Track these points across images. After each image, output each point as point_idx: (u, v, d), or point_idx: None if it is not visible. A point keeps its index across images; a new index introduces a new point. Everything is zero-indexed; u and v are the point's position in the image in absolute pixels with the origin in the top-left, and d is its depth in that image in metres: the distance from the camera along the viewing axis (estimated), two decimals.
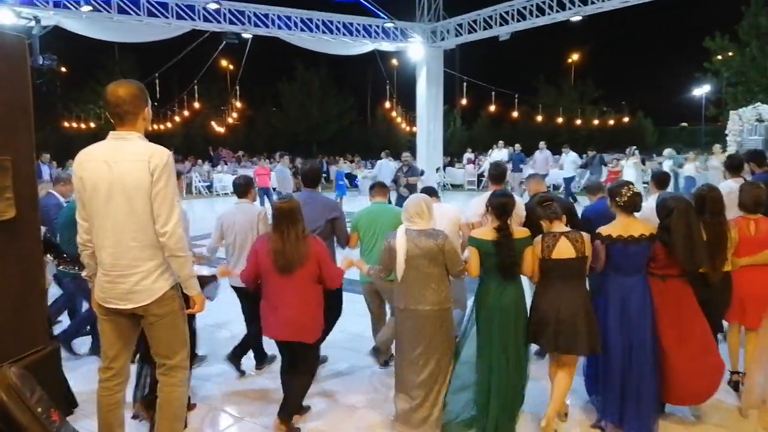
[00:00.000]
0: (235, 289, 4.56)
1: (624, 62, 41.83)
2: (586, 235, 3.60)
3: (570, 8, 13.06)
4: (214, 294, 4.16)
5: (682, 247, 3.62)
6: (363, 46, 16.21)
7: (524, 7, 14.04)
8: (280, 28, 14.55)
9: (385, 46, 16.69)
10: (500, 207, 3.58)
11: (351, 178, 22.11)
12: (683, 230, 3.63)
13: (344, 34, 15.45)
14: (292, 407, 3.74)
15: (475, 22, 15.47)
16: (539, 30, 14.96)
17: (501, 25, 14.78)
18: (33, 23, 11.45)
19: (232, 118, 25.95)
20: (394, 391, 3.87)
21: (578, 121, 32.02)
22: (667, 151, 15.92)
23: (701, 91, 31.41)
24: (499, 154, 18.52)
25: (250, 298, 4.46)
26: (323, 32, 15.11)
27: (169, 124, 25.29)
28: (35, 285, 2.79)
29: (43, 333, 2.87)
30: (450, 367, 3.74)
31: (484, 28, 15.27)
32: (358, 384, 4.54)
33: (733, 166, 5.65)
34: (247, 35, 14.76)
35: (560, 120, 30.35)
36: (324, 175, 23.72)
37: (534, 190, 5.13)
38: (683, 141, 32.80)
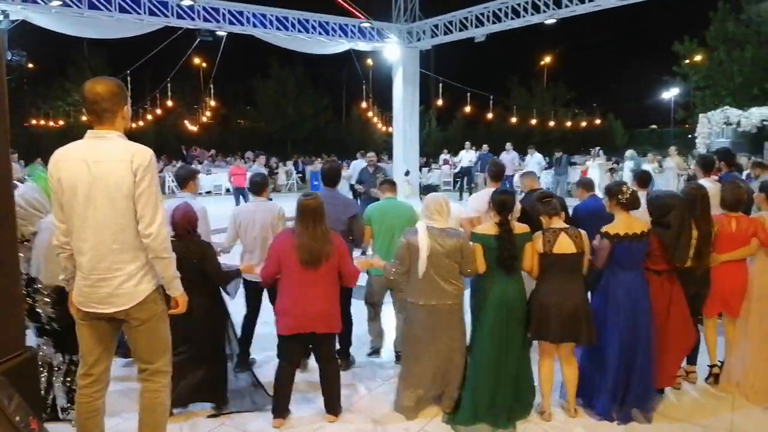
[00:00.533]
0: (247, 284, 4.52)
1: (595, 65, 42.47)
2: (583, 232, 3.79)
3: (544, 11, 13.21)
4: (236, 291, 4.16)
5: (677, 242, 3.85)
6: (339, 45, 16.15)
7: (499, 9, 14.16)
8: (255, 26, 14.39)
9: (361, 45, 16.66)
10: (501, 203, 3.75)
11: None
12: (678, 227, 3.86)
13: (320, 33, 15.36)
14: (337, 398, 3.87)
15: (450, 23, 15.55)
16: (513, 32, 15.10)
17: (476, 26, 14.88)
18: (1, 17, 11.12)
19: (205, 116, 25.65)
20: (398, 385, 3.94)
21: (551, 123, 32.47)
22: (629, 153, 16.32)
23: (670, 94, 32.16)
24: (467, 155, 18.71)
25: (258, 294, 4.63)
26: (299, 31, 15.00)
27: (141, 123, 24.89)
28: (11, 289, 2.70)
29: (20, 339, 2.78)
30: (464, 361, 3.86)
31: (460, 29, 15.35)
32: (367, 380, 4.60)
33: (706, 166, 5.83)
34: (221, 33, 14.57)
35: (533, 121, 30.71)
36: (299, 175, 23.64)
37: (528, 186, 5.23)
38: (652, 143, 33.53)
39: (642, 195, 4.19)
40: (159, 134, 32.97)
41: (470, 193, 18.30)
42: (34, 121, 29.52)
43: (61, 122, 29.92)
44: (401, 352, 4.73)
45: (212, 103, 24.40)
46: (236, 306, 4.59)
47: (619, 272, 3.85)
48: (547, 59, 37.14)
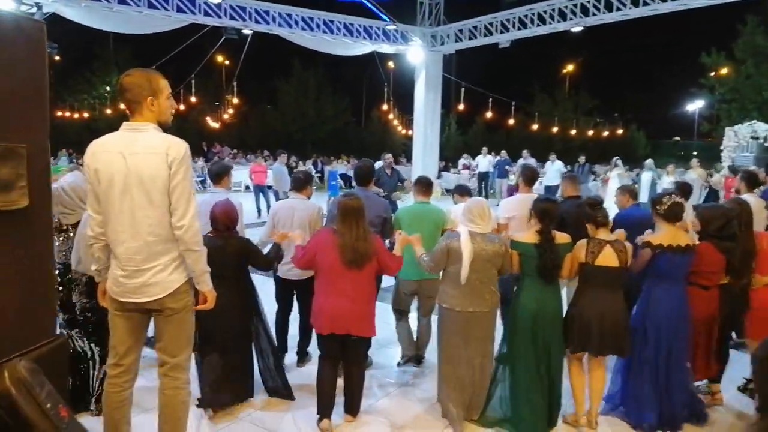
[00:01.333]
0: (280, 279, 4.60)
1: (619, 74, 42.21)
2: (629, 245, 3.70)
3: (571, 19, 13.12)
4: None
5: (746, 257, 3.80)
6: (363, 47, 16.17)
7: (525, 16, 14.08)
8: (280, 25, 14.47)
9: (385, 48, 16.67)
10: (544, 211, 3.69)
11: (347, 178, 22.05)
12: (746, 241, 3.82)
13: (345, 35, 15.40)
14: (358, 399, 3.88)
15: (475, 28, 15.50)
16: (536, 39, 15.01)
17: (501, 32, 14.81)
18: (35, 10, 11.29)
19: (227, 114, 25.80)
20: (442, 393, 3.89)
21: (572, 132, 32.21)
22: (647, 162, 16.13)
23: (694, 106, 31.76)
24: (485, 160, 18.68)
25: (289, 292, 4.69)
26: (324, 32, 15.05)
27: None
28: (46, 276, 2.73)
29: (52, 325, 2.81)
30: (491, 369, 3.88)
31: (485, 35, 15.30)
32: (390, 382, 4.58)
33: (750, 180, 5.74)
34: (247, 31, 14.68)
35: (555, 129, 30.49)
36: (318, 174, 23.70)
37: (568, 192, 5.09)
38: (675, 155, 33.14)
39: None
40: (180, 130, 33.16)
41: (487, 198, 18.27)
42: (59, 113, 29.92)
43: (85, 114, 30.29)
44: (423, 356, 4.81)
45: (234, 100, 24.53)
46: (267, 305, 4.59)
47: (660, 285, 3.75)
48: (571, 67, 36.86)
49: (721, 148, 15.92)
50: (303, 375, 4.50)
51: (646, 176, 14.93)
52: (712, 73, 24.85)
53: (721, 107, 25.21)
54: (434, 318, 4.36)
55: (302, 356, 4.85)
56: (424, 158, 17.14)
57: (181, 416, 2.95)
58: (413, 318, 4.89)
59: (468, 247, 3.60)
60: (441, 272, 3.87)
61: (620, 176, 15.63)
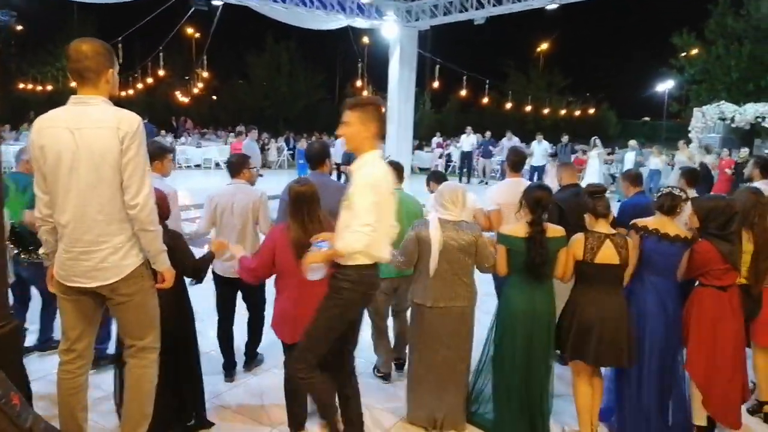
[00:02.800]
0: (221, 279, 4.15)
1: (591, 53, 42.37)
2: (630, 241, 3.38)
3: None
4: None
5: (735, 253, 3.41)
6: (337, 21, 15.85)
7: None
8: None
9: (359, 22, 16.36)
10: (536, 201, 3.31)
11: None
12: (739, 238, 3.46)
13: (318, 8, 15.05)
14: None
15: (450, 3, 15.29)
16: (511, 16, 14.89)
17: (477, 8, 14.64)
18: None
19: (197, 88, 25.19)
20: (408, 396, 3.65)
21: (545, 110, 32.33)
22: (632, 143, 16.27)
23: (664, 86, 32.11)
24: (468, 140, 18.66)
25: (232, 293, 4.23)
26: (297, 4, 14.69)
27: (130, 91, 24.43)
28: None
29: (4, 310, 2.68)
30: (467, 372, 3.63)
31: (460, 11, 15.11)
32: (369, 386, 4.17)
33: (765, 167, 5.37)
34: (217, 2, 14.25)
35: (528, 108, 30.56)
36: (290, 152, 23.40)
37: (566, 179, 4.70)
38: (645, 135, 33.54)
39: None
40: (149, 104, 32.40)
41: (469, 179, 18.30)
42: (21, 86, 28.88)
43: (49, 87, 29.31)
44: (404, 358, 4.35)
45: (204, 74, 23.93)
46: (205, 309, 4.18)
47: (647, 276, 3.44)
48: (545, 45, 36.86)
49: (689, 128, 16.12)
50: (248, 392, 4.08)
51: (629, 156, 15.09)
52: (683, 54, 25.12)
53: (690, 88, 25.54)
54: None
55: (251, 359, 4.43)
56: (398, 136, 16.97)
57: (148, 395, 2.86)
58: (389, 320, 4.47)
59: (437, 236, 3.32)
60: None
61: (600, 156, 15.79)
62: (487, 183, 17.59)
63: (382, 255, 2.95)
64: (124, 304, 2.69)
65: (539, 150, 16.67)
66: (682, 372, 3.53)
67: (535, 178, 15.86)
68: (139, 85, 23.59)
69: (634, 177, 4.89)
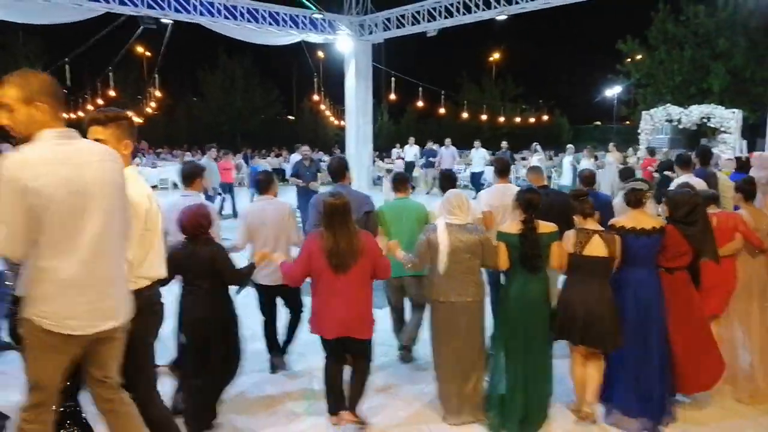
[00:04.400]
0: (265, 288, 4.48)
1: (542, 62, 43.47)
2: (618, 237, 3.70)
3: (495, 7, 13.29)
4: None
5: (706, 239, 3.87)
6: (290, 36, 15.80)
7: (451, 4, 14.16)
8: (201, 14, 13.87)
9: (313, 37, 16.36)
10: (528, 202, 3.71)
11: (280, 173, 21.59)
12: (704, 224, 3.89)
13: (270, 24, 14.99)
14: (358, 399, 3.74)
15: (403, 16, 15.46)
16: (464, 28, 15.16)
17: (429, 21, 14.84)
18: None
19: (150, 107, 24.74)
20: (436, 383, 3.95)
21: (501, 119, 32.98)
22: (568, 147, 16.89)
23: (613, 91, 33.15)
24: (411, 150, 18.89)
25: (272, 298, 4.55)
26: (248, 20, 14.58)
27: (81, 113, 23.81)
28: None
29: None
30: (483, 361, 3.90)
31: (412, 23, 15.28)
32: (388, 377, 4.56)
33: (683, 162, 6.00)
34: (166, 20, 14.03)
35: (484, 117, 31.12)
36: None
37: (535, 182, 5.12)
38: (596, 139, 34.52)
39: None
40: None
41: (413, 188, 18.44)
42: None
43: None
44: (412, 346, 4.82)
45: (157, 93, 23.52)
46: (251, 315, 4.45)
47: (628, 269, 3.75)
48: (496, 55, 37.69)
49: (639, 131, 16.66)
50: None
51: (566, 160, 15.59)
52: (628, 60, 26.00)
53: (637, 92, 26.48)
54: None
55: (282, 353, 4.71)
56: (358, 149, 17.01)
57: (141, 427, 2.68)
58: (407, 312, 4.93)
59: (444, 239, 3.68)
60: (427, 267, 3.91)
61: (540, 161, 16.19)
62: (428, 193, 17.72)
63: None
64: (120, 339, 2.53)
65: (477, 157, 17.09)
66: (664, 348, 3.79)
67: (481, 182, 16.19)
68: (89, 107, 23.00)
69: (583, 176, 5.64)
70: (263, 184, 4.56)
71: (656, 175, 11.45)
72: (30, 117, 2.32)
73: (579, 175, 5.96)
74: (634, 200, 3.83)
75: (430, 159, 18.62)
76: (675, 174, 6.25)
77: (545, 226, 3.75)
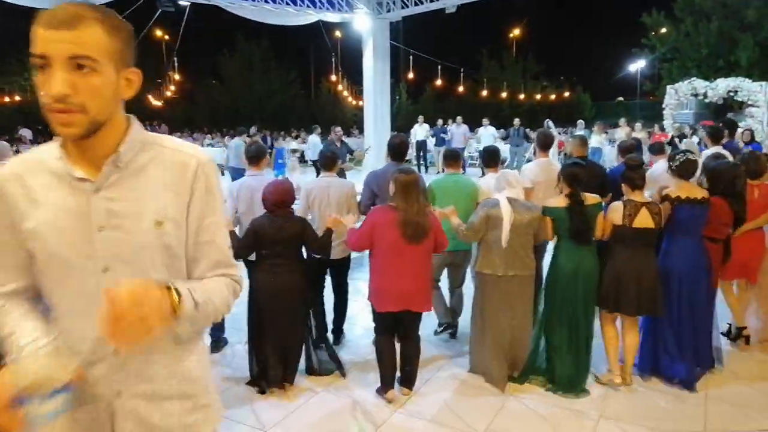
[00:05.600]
0: (318, 260, 4.51)
1: (564, 38, 42.63)
2: (663, 206, 3.82)
3: None
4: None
5: (744, 210, 4.03)
6: (307, 16, 15.71)
7: None
8: None
9: (330, 16, 16.24)
10: (572, 176, 3.81)
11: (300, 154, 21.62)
12: (742, 195, 4.04)
13: (288, 3, 14.92)
14: (414, 373, 3.89)
15: None
16: (482, 4, 14.90)
17: None
18: None
19: (169, 91, 24.86)
20: (483, 359, 4.02)
21: (521, 96, 32.54)
22: (579, 123, 16.67)
23: (636, 66, 32.44)
24: (421, 129, 18.72)
25: (322, 271, 4.66)
26: (266, 1, 14.53)
27: None
28: None
29: None
30: (531, 332, 4.03)
31: (431, 0, 15.08)
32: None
33: (715, 135, 6.11)
34: (184, 2, 14.03)
35: (504, 94, 30.72)
36: (270, 150, 23.20)
37: (577, 153, 5.13)
38: (619, 115, 33.88)
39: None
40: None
41: (426, 169, 18.32)
42: None
43: (17, 98, 28.74)
44: (456, 326, 4.86)
45: (176, 77, 23.60)
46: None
47: (679, 239, 3.88)
48: (517, 32, 37.01)
49: (663, 106, 16.30)
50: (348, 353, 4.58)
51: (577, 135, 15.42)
52: (653, 33, 25.37)
53: (662, 66, 25.87)
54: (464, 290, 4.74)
55: (338, 336, 4.81)
56: (376, 129, 16.93)
57: None
58: (444, 288, 4.95)
59: (509, 212, 3.75)
60: (473, 243, 4.01)
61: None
62: (439, 172, 17.57)
63: None
64: None
65: (486, 134, 16.93)
66: (705, 316, 3.97)
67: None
68: None
69: (624, 147, 5.52)
70: (329, 161, 4.72)
71: (668, 147, 11.31)
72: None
73: (619, 146, 5.93)
74: (691, 170, 3.88)
75: (442, 136, 18.47)
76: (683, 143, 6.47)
77: (591, 198, 3.85)
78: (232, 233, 3.90)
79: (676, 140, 11.67)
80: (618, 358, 3.94)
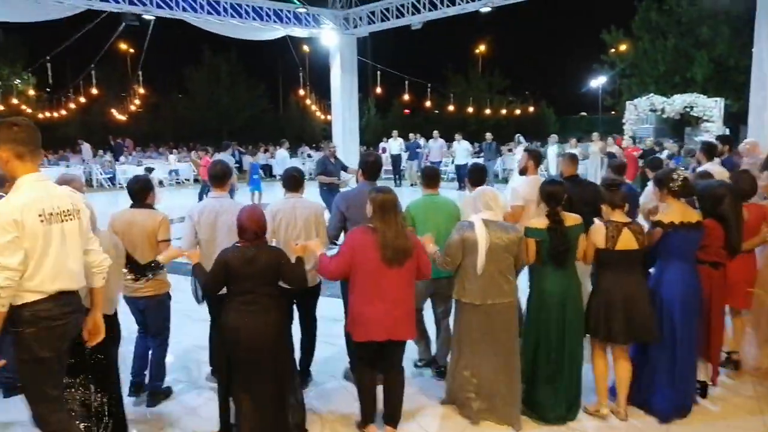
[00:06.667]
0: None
1: (528, 53, 43.56)
2: (655, 232, 3.63)
3: None
4: None
5: (735, 232, 3.79)
6: (274, 31, 15.73)
7: None
8: (185, 10, 13.75)
9: (297, 32, 16.29)
10: (550, 194, 3.61)
11: (267, 169, 21.54)
12: (735, 216, 3.81)
13: (254, 19, 14.89)
14: (399, 409, 3.62)
15: (387, 10, 15.43)
16: (449, 20, 15.16)
17: (413, 13, 14.82)
18: None
19: (134, 105, 24.49)
20: (460, 395, 3.77)
21: (487, 111, 33.00)
22: (552, 137, 17.02)
23: (598, 82, 33.26)
24: (395, 143, 18.90)
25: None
26: (232, 16, 14.48)
27: (63, 112, 23.55)
28: None
29: None
30: (519, 363, 3.72)
31: (397, 17, 15.26)
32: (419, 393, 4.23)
33: (709, 151, 5.85)
34: (149, 17, 13.90)
35: (470, 109, 31.12)
36: (237, 165, 22.97)
37: (567, 171, 4.98)
38: (582, 129, 34.63)
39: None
40: (84, 124, 31.45)
41: (400, 183, 18.43)
42: None
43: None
44: (445, 366, 4.35)
45: (141, 90, 23.26)
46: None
47: (674, 263, 3.65)
48: (482, 47, 37.66)
49: (623, 121, 16.74)
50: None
51: (551, 150, 15.73)
52: (612, 50, 26.11)
53: (622, 82, 26.56)
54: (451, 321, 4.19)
55: (305, 378, 4.31)
56: (345, 143, 16.96)
57: None
58: (428, 318, 4.57)
59: (484, 236, 3.49)
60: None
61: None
62: (413, 185, 17.70)
63: (53, 287, 2.62)
64: None
65: (460, 149, 17.15)
66: (691, 345, 3.74)
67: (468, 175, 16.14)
68: (72, 105, 22.75)
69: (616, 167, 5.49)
70: (294, 181, 4.31)
71: (641, 161, 11.57)
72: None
73: (609, 165, 5.83)
74: (686, 190, 3.69)
75: (417, 150, 18.62)
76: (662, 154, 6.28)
77: (570, 218, 3.64)
78: (198, 266, 3.51)
79: (661, 155, 11.59)
80: (607, 388, 3.75)
